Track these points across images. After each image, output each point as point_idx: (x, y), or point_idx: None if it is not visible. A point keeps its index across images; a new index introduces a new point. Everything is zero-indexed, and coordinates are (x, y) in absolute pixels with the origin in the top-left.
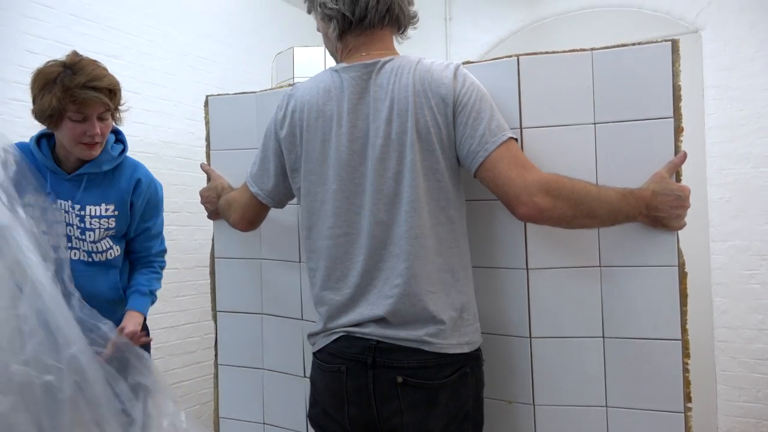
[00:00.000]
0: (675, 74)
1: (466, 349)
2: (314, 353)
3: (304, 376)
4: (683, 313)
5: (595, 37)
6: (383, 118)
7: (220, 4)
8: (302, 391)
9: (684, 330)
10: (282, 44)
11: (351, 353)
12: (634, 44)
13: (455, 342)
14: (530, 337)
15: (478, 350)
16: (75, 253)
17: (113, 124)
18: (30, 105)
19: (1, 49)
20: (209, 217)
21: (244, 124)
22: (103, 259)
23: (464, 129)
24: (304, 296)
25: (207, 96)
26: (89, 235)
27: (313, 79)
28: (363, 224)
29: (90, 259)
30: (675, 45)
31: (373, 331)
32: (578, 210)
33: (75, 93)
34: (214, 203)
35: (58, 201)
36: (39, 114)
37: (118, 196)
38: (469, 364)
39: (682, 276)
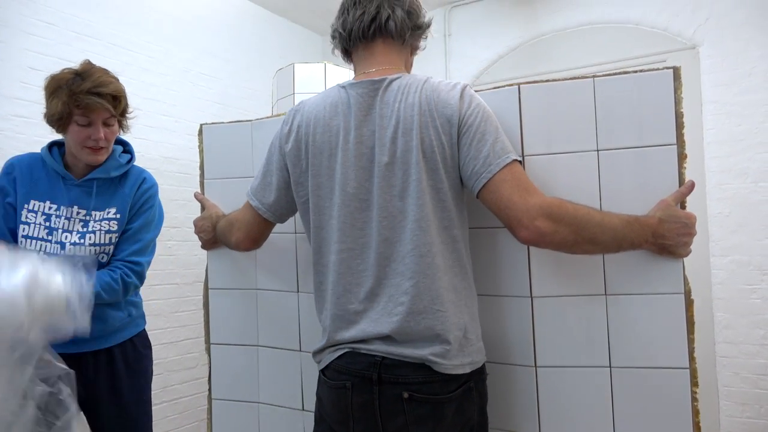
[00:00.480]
0: (677, 102)
1: (467, 369)
2: (321, 370)
3: (303, 410)
4: (690, 341)
5: (594, 53)
6: (389, 136)
7: (221, 20)
8: (300, 424)
9: (692, 358)
10: (282, 60)
11: (356, 369)
12: (635, 71)
13: (459, 363)
14: (535, 366)
15: (482, 366)
16: None
17: (121, 133)
18: (31, 121)
19: (3, 65)
20: (203, 247)
21: (239, 152)
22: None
23: (468, 150)
24: (302, 327)
25: (201, 124)
26: (89, 238)
27: (320, 95)
28: (367, 240)
29: None
30: (676, 72)
31: (378, 348)
32: (580, 236)
33: (80, 98)
34: (209, 233)
35: (61, 207)
36: (49, 117)
37: (121, 200)
38: (473, 379)
39: (689, 303)
